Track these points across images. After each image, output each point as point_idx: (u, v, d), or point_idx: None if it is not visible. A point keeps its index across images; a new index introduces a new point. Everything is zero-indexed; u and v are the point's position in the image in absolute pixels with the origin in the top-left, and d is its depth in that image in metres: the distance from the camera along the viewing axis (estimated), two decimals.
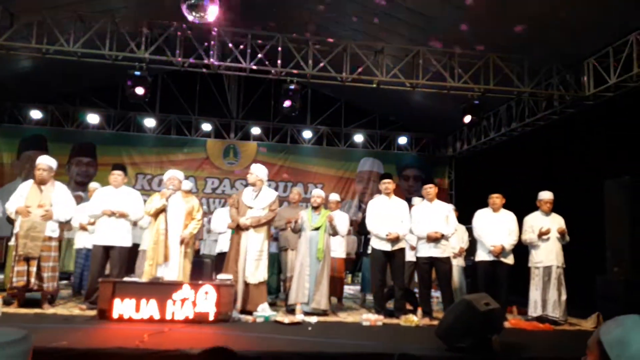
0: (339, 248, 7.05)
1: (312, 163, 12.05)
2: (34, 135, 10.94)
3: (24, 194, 5.35)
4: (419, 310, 5.80)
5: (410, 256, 6.38)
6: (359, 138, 12.11)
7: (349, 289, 9.24)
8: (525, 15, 6.56)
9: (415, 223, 5.88)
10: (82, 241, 6.34)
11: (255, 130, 11.88)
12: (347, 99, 12.02)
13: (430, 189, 6.02)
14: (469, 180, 11.39)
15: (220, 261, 6.66)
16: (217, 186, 11.68)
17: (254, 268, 5.62)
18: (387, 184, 6.07)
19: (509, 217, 6.13)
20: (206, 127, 11.67)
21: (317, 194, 6.21)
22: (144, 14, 7.30)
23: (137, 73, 7.07)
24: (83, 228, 6.26)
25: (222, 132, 11.89)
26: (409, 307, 6.07)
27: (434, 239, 5.74)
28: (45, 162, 5.42)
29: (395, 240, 5.76)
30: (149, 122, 11.31)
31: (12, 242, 6.50)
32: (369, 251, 7.17)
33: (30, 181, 5.47)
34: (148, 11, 7.43)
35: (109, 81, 10.78)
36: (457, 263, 6.80)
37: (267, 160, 11.47)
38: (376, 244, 5.90)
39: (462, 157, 12.04)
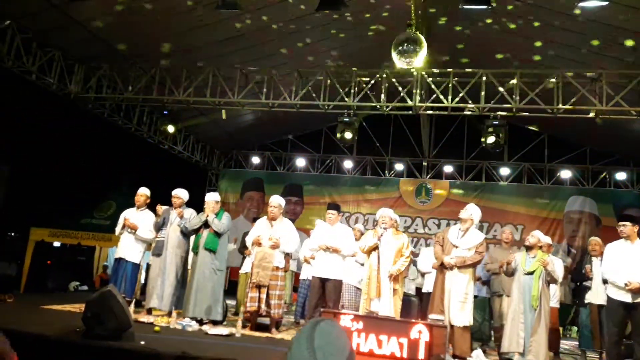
0: (554, 297, 6.42)
1: (510, 202, 11.32)
2: (254, 178, 12.58)
3: (258, 229, 6.08)
4: None
5: None
6: (565, 174, 11.05)
7: (563, 343, 8.28)
8: None
9: None
10: (306, 273, 6.93)
11: (448, 169, 11.75)
12: (550, 132, 11.14)
13: None
14: None
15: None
16: (409, 225, 11.74)
17: (458, 310, 5.43)
18: (622, 227, 5.35)
19: None
20: (399, 166, 11.98)
21: (533, 233, 5.79)
22: (353, 65, 7.96)
23: (346, 119, 7.69)
24: (306, 260, 6.85)
25: (415, 171, 12.04)
26: None
27: None
28: (276, 200, 6.11)
29: (637, 291, 5.02)
30: (348, 164, 12.11)
31: (241, 271, 7.48)
32: (586, 300, 6.41)
33: (264, 218, 6.23)
34: (357, 62, 8.08)
35: (314, 128, 11.95)
36: None
37: (460, 199, 11.19)
38: (613, 293, 5.20)
39: None
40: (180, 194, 6.31)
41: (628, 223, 5.32)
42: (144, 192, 6.39)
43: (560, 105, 7.18)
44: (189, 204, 6.55)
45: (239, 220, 11.65)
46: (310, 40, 8.06)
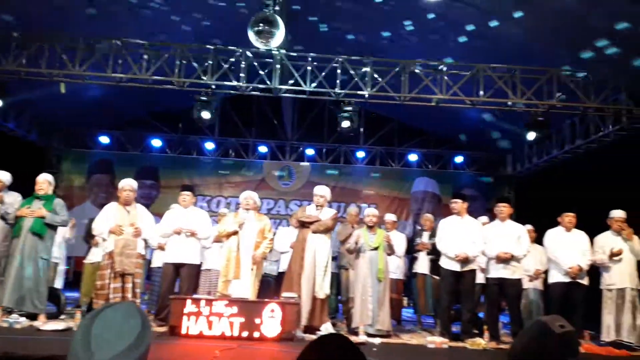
0: (397, 269, 6.98)
1: (365, 183, 12.06)
2: (102, 160, 11.56)
3: (110, 215, 5.53)
4: (486, 333, 5.61)
5: (479, 278, 6.21)
6: (413, 157, 12.03)
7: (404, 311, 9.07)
8: (591, 29, 6.41)
9: (486, 242, 5.76)
10: (159, 260, 6.54)
11: (309, 152, 12.06)
12: (401, 118, 12.01)
13: (503, 207, 5.87)
14: (530, 200, 11.01)
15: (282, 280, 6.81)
16: (272, 207, 11.86)
17: (322, 282, 5.68)
18: (454, 204, 5.97)
19: (582, 237, 5.91)
20: (262, 149, 11.97)
21: (372, 212, 6.17)
22: (210, 42, 7.66)
23: (204, 98, 7.40)
24: (160, 247, 6.44)
25: (278, 153, 12.12)
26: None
27: (504, 260, 5.59)
28: (129, 183, 5.64)
29: (465, 261, 5.65)
30: (209, 146, 11.74)
31: (87, 261, 6.85)
32: (413, 270, 7.11)
33: (114, 203, 5.70)
34: (214, 39, 7.78)
35: (171, 107, 11.29)
36: (535, 286, 6.56)
37: (320, 180, 11.52)
38: (445, 263, 5.80)
39: (522, 176, 11.70)
40: (0, 176, 5.55)
41: (459, 200, 5.97)
42: None
43: (407, 94, 7.74)
44: (21, 190, 5.78)
45: (85, 206, 10.67)
46: (164, 11, 7.55)
